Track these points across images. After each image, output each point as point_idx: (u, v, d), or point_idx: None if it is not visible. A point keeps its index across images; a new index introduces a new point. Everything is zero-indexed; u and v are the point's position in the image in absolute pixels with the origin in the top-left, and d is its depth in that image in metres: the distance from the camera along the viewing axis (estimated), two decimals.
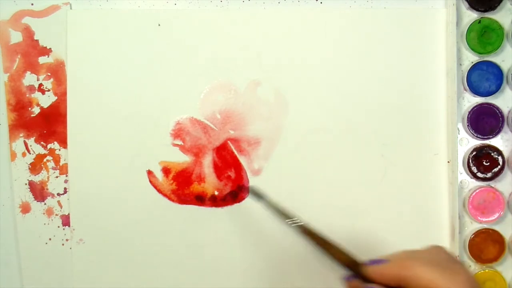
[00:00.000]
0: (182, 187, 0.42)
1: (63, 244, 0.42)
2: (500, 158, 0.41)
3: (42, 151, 0.42)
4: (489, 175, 0.41)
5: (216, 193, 0.42)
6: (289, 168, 0.41)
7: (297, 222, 0.34)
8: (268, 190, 0.41)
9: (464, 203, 0.41)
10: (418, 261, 0.28)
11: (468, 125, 0.41)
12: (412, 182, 0.42)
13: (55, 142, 0.42)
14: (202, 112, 0.42)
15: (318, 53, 0.41)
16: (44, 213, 0.42)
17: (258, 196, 0.39)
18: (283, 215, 0.35)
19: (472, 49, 0.41)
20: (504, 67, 0.41)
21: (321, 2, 0.42)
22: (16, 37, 0.42)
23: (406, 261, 0.29)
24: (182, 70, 0.41)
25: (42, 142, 0.42)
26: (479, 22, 0.40)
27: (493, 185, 0.41)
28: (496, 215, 0.41)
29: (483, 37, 0.41)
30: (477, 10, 0.41)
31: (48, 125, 0.42)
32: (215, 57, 0.41)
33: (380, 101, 0.41)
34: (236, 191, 0.42)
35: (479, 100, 0.41)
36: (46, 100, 0.42)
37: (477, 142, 0.41)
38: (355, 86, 0.41)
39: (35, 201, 0.42)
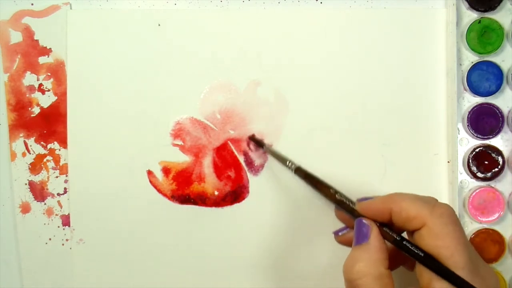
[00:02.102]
0: (182, 187, 0.42)
1: (63, 244, 0.42)
2: (500, 158, 0.41)
3: (42, 151, 0.42)
4: (489, 175, 0.41)
5: (216, 193, 0.42)
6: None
7: (295, 164, 0.37)
8: (268, 190, 0.41)
9: (464, 203, 0.41)
10: (405, 196, 0.30)
11: (468, 125, 0.41)
12: (412, 182, 0.42)
13: (55, 142, 0.42)
14: (202, 112, 0.42)
15: (318, 53, 0.41)
16: (44, 213, 0.42)
17: (259, 143, 0.41)
18: (282, 159, 0.39)
19: (472, 49, 0.41)
20: (504, 67, 0.41)
21: (321, 2, 0.42)
22: (16, 37, 0.42)
23: (393, 196, 0.30)
24: (182, 70, 0.41)
25: (42, 142, 0.42)
26: (479, 22, 0.40)
27: (493, 185, 0.41)
28: (496, 215, 0.41)
29: (483, 37, 0.41)
30: (477, 10, 0.41)
31: (48, 125, 0.42)
32: (215, 57, 0.41)
33: (380, 101, 0.41)
34: (236, 191, 0.42)
35: (479, 100, 0.41)
36: (46, 100, 0.42)
37: (477, 142, 0.41)
38: (355, 86, 0.41)
39: (35, 201, 0.42)
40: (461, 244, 0.28)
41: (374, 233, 0.30)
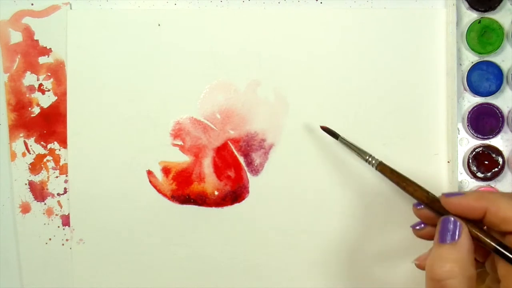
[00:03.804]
0: (182, 187, 0.42)
1: (63, 244, 0.42)
2: (500, 158, 0.41)
3: (42, 151, 0.42)
4: (489, 175, 0.41)
5: (216, 193, 0.42)
6: (289, 168, 0.41)
7: (376, 160, 0.36)
8: (268, 190, 0.41)
9: None
10: (500, 195, 0.28)
11: (468, 125, 0.41)
12: None
13: (55, 142, 0.42)
14: (202, 112, 0.42)
15: (318, 53, 0.41)
16: (44, 213, 0.42)
17: (333, 134, 0.39)
18: (360, 153, 0.37)
19: (472, 49, 0.41)
20: (504, 67, 0.41)
21: (321, 2, 0.42)
22: (16, 37, 0.42)
23: (488, 194, 0.29)
24: (182, 70, 0.41)
25: (42, 142, 0.42)
26: (479, 22, 0.40)
27: (493, 185, 0.41)
28: None
29: (483, 37, 0.41)
30: (477, 10, 0.41)
31: (48, 125, 0.42)
32: (215, 57, 0.41)
33: (380, 101, 0.41)
34: (236, 191, 0.42)
35: (479, 100, 0.41)
36: (46, 100, 0.42)
37: (477, 142, 0.41)
38: (355, 86, 0.41)
39: (35, 201, 0.42)
40: None
41: (465, 232, 0.28)
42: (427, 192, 0.32)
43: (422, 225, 0.33)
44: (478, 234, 0.29)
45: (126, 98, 0.42)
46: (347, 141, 0.38)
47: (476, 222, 0.29)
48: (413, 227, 0.33)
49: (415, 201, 0.33)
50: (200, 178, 0.42)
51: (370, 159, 0.36)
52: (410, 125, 0.42)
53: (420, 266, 0.32)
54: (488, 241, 0.28)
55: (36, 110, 0.42)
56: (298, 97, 0.41)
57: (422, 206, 0.32)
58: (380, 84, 0.41)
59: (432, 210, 0.31)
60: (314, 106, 0.41)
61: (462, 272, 0.27)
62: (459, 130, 0.41)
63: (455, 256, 0.28)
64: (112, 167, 0.42)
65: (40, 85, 0.42)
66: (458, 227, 0.29)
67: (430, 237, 0.32)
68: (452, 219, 0.29)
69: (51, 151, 0.42)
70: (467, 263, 0.28)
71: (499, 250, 0.28)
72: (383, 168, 0.35)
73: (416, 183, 0.33)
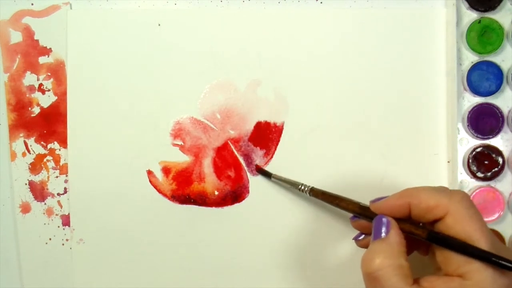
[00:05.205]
0: (182, 187, 0.42)
1: (63, 244, 0.42)
2: (500, 158, 0.41)
3: (42, 151, 0.42)
4: (489, 175, 0.41)
5: (216, 193, 0.42)
6: (289, 168, 0.41)
7: (308, 186, 0.38)
8: (268, 190, 0.41)
9: None
10: (420, 188, 0.31)
11: (468, 125, 0.41)
12: (412, 182, 0.41)
13: (55, 142, 0.42)
14: (202, 112, 0.42)
15: (318, 53, 0.41)
16: (44, 213, 0.42)
17: (266, 174, 0.41)
18: (293, 184, 0.39)
19: (472, 49, 0.41)
20: (504, 67, 0.41)
21: (321, 2, 0.42)
22: (16, 37, 0.42)
23: (408, 190, 0.31)
24: (182, 70, 0.41)
25: (42, 142, 0.42)
26: (479, 22, 0.40)
27: (493, 185, 0.41)
28: (496, 215, 0.41)
29: (483, 37, 0.41)
30: (477, 10, 0.41)
31: (48, 125, 0.42)
32: (215, 57, 0.41)
33: (380, 101, 0.41)
34: (236, 191, 0.42)
35: (479, 100, 0.41)
36: (46, 100, 0.42)
37: (477, 142, 0.41)
38: (355, 86, 0.41)
39: (35, 201, 0.42)
40: (485, 225, 0.29)
41: (394, 228, 0.31)
42: (358, 203, 0.34)
43: (362, 236, 0.35)
44: (410, 228, 0.31)
45: (126, 98, 0.42)
46: (279, 178, 0.40)
47: (406, 220, 0.31)
48: (355, 238, 0.36)
49: None
50: (200, 178, 0.42)
51: (302, 187, 0.39)
52: (410, 125, 0.42)
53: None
54: (419, 232, 0.30)
55: (36, 110, 0.42)
56: (298, 97, 0.41)
57: (357, 218, 0.35)
58: (380, 84, 0.41)
59: (366, 218, 0.33)
60: (314, 106, 0.41)
61: (392, 262, 0.29)
62: (459, 130, 0.41)
63: (384, 249, 0.30)
64: (112, 167, 0.42)
65: (40, 85, 0.42)
66: (386, 224, 0.31)
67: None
68: (382, 218, 0.31)
69: (51, 151, 0.42)
70: (397, 254, 0.29)
71: (431, 237, 0.30)
72: (315, 193, 0.38)
73: (347, 198, 0.35)
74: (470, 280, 0.28)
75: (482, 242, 0.28)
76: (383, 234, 0.30)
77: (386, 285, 0.28)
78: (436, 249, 0.30)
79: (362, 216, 0.34)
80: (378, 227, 0.31)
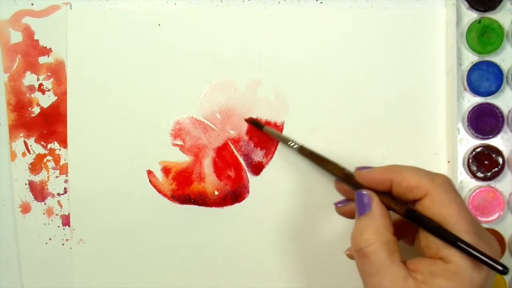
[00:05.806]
0: (182, 187, 0.42)
1: (63, 244, 0.42)
2: (500, 158, 0.41)
3: (42, 151, 0.42)
4: (489, 175, 0.41)
5: (216, 193, 0.42)
6: (289, 168, 0.41)
7: (298, 144, 0.39)
8: (268, 190, 0.41)
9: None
10: (405, 167, 0.31)
11: (468, 125, 0.41)
12: None
13: (55, 142, 0.42)
14: (202, 112, 0.42)
15: (318, 53, 0.41)
16: (44, 213, 0.42)
17: (258, 125, 0.41)
18: (284, 139, 0.40)
19: (472, 49, 0.41)
20: (504, 67, 0.41)
21: (321, 2, 0.42)
22: (16, 37, 0.42)
23: (393, 166, 0.31)
24: (182, 70, 0.41)
25: (42, 142, 0.42)
26: (479, 22, 0.40)
27: (493, 185, 0.41)
28: (496, 215, 0.41)
29: (483, 37, 0.41)
30: (477, 10, 0.41)
31: (48, 125, 0.42)
32: (215, 57, 0.41)
33: (380, 101, 0.41)
34: (236, 191, 0.42)
35: (479, 100, 0.41)
36: (46, 100, 0.42)
37: (477, 142, 0.41)
38: (354, 86, 0.41)
39: (35, 201, 0.42)
40: (464, 210, 0.29)
41: (375, 202, 0.31)
42: (344, 168, 0.35)
43: (345, 202, 0.35)
44: (389, 203, 0.31)
45: (126, 98, 0.42)
46: (271, 131, 0.41)
47: (388, 193, 0.31)
48: (336, 204, 0.36)
49: None
50: (200, 178, 0.42)
51: (292, 144, 0.39)
52: (410, 125, 0.42)
53: (350, 256, 0.34)
54: (397, 208, 0.31)
55: (36, 110, 0.42)
56: (298, 97, 0.41)
57: (339, 180, 0.35)
58: (380, 84, 0.41)
59: (348, 184, 0.34)
60: (314, 106, 0.41)
61: (378, 238, 0.29)
62: (459, 130, 0.41)
63: (370, 224, 0.30)
64: (112, 167, 0.42)
65: (40, 85, 0.42)
66: (368, 198, 0.31)
67: (350, 215, 0.34)
68: (363, 192, 0.31)
69: (51, 151, 0.42)
70: (382, 228, 0.30)
71: (408, 214, 0.30)
72: (303, 151, 0.38)
73: (334, 162, 0.36)
74: (451, 263, 0.28)
75: (458, 226, 0.28)
76: (368, 208, 0.31)
77: (374, 260, 0.29)
78: (421, 234, 0.30)
79: (345, 182, 0.34)
80: (361, 203, 0.31)
